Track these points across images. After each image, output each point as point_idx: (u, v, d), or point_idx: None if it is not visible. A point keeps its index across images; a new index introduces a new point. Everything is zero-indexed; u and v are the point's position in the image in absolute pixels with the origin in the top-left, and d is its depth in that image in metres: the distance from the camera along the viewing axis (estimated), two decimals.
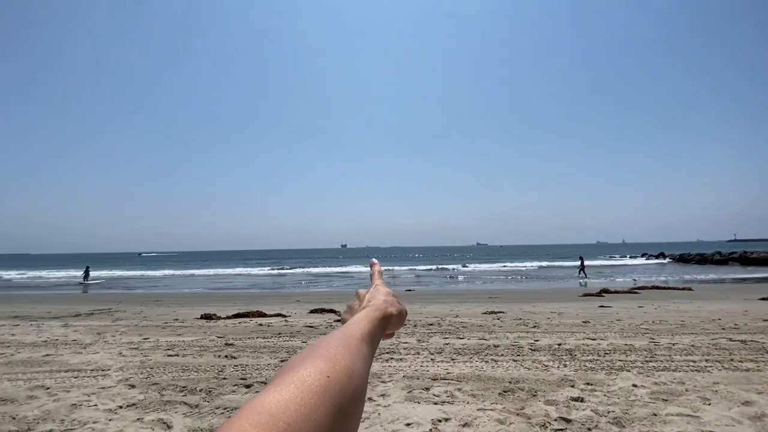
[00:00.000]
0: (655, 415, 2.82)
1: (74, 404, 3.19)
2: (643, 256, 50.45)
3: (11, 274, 33.51)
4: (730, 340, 5.19)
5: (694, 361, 4.18)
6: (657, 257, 44.83)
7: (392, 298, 0.57)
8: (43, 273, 34.05)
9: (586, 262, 25.36)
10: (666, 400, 3.09)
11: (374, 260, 0.68)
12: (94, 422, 2.85)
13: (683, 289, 14.70)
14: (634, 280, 20.02)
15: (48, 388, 3.61)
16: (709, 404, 2.96)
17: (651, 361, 4.26)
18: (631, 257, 50.51)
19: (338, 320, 7.67)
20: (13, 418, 2.91)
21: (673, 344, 5.03)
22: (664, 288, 15.10)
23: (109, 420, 2.89)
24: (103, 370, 4.23)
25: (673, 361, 4.23)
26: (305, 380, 0.31)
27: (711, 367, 3.96)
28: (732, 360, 4.19)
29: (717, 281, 19.20)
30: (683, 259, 38.90)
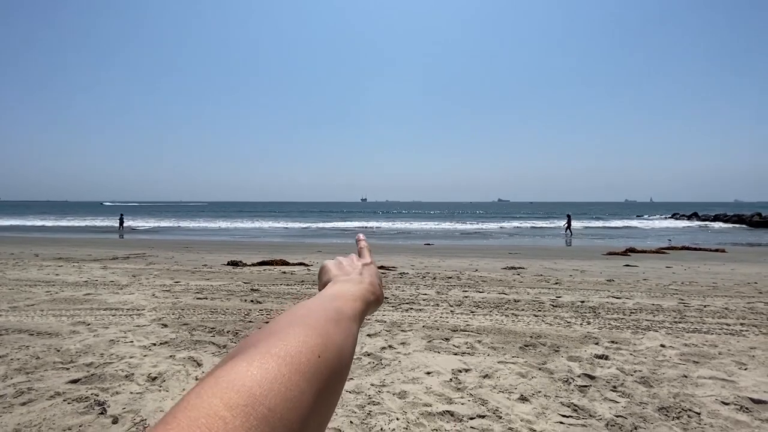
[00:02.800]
0: (686, 377, 2.73)
1: (112, 340, 3.40)
2: (673, 216, 48.45)
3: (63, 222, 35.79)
4: None
5: (728, 325, 4.01)
6: (689, 217, 42.96)
7: (381, 280, 0.54)
8: (95, 222, 36.24)
9: (616, 223, 24.70)
10: (697, 362, 2.98)
11: (361, 235, 0.65)
12: (131, 357, 3.03)
13: (716, 250, 14.08)
14: (669, 240, 19.26)
15: (88, 324, 3.86)
16: (746, 369, 2.84)
17: (680, 323, 4.12)
18: (661, 217, 48.65)
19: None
20: (58, 351, 3.12)
21: (705, 306, 4.85)
22: (695, 249, 14.51)
23: (144, 356, 3.06)
24: (138, 310, 4.47)
25: (704, 323, 4.07)
26: (294, 356, 0.27)
27: (747, 331, 3.79)
28: None
29: (754, 244, 18.28)
30: (718, 220, 37.11)
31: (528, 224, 35.38)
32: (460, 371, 2.87)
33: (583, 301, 5.10)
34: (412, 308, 4.73)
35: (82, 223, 33.49)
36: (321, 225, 34.37)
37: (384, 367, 2.93)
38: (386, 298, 5.24)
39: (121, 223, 26.55)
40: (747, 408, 2.34)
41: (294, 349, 0.27)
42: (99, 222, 34.56)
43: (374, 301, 0.47)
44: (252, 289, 5.75)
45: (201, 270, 7.72)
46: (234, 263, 8.57)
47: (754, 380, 2.66)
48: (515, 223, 36.60)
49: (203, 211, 69.33)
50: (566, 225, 24.16)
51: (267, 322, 0.33)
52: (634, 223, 37.80)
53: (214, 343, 3.38)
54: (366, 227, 32.29)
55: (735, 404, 2.38)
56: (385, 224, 35.65)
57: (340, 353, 0.31)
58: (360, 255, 0.59)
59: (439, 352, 3.24)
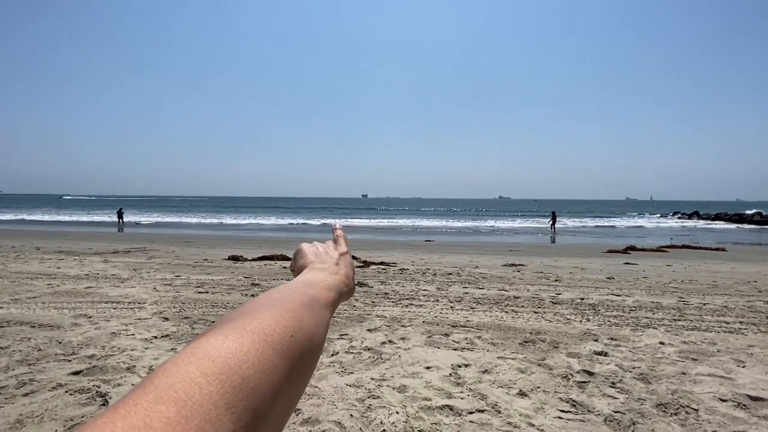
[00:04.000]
0: (684, 373, 2.74)
1: (114, 332, 3.41)
2: (675, 214, 48.42)
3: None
4: None
5: (726, 323, 4.02)
6: (690, 216, 42.94)
7: (354, 271, 0.56)
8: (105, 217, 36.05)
9: (617, 222, 24.86)
10: (696, 360, 2.99)
11: (337, 223, 0.67)
12: (132, 349, 3.05)
13: (716, 249, 14.08)
14: (671, 238, 19.27)
15: (90, 317, 3.87)
16: (744, 367, 2.85)
17: (679, 320, 4.13)
18: (662, 216, 48.62)
19: (360, 266, 7.81)
20: (60, 343, 3.14)
21: (704, 304, 4.85)
22: (695, 247, 14.52)
23: (146, 348, 3.08)
24: (139, 303, 4.49)
25: (703, 321, 4.08)
26: (268, 333, 0.28)
27: (745, 329, 3.80)
28: None
29: (754, 243, 18.27)
30: (719, 219, 37.09)
31: (531, 223, 35.33)
32: (460, 366, 2.88)
33: (582, 299, 5.11)
34: (412, 304, 4.74)
35: (80, 219, 33.53)
36: (322, 221, 34.37)
37: (384, 362, 2.94)
38: (374, 287, 5.25)
39: (120, 217, 26.51)
40: (744, 405, 2.35)
41: (268, 327, 0.28)
42: (97, 217, 34.56)
43: (347, 292, 0.49)
44: (252, 284, 5.76)
45: (202, 264, 7.74)
46: (235, 258, 8.59)
47: (752, 378, 2.67)
48: (518, 221, 36.57)
49: (199, 206, 68.33)
50: (551, 222, 24.71)
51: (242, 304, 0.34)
52: (635, 221, 37.76)
53: None
54: (366, 223, 32.28)
55: (733, 401, 2.39)
56: (385, 220, 35.65)
57: (312, 337, 0.32)
58: (336, 243, 0.60)
59: (438, 348, 3.25)
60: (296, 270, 0.53)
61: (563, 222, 34.26)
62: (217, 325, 0.29)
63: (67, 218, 32.61)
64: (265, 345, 0.26)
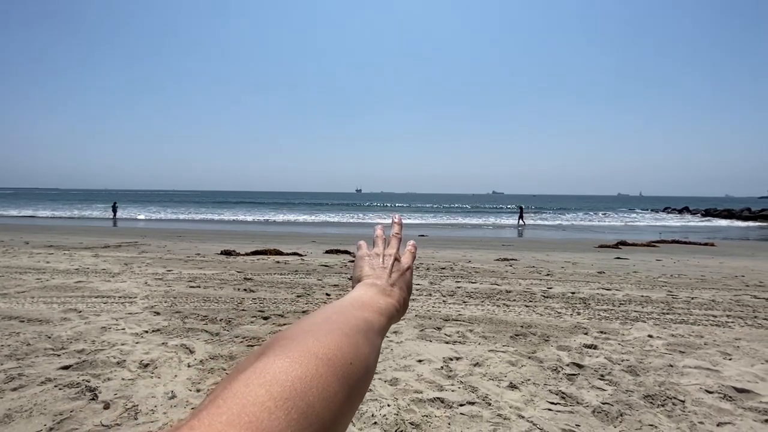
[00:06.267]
0: (672, 366, 2.79)
1: (104, 327, 3.38)
2: (665, 210, 49.06)
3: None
4: (755, 297, 5.05)
5: (714, 316, 4.09)
6: (680, 212, 43.55)
7: (410, 292, 0.55)
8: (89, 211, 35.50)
9: (608, 217, 25.47)
10: (683, 353, 3.05)
11: (396, 217, 0.62)
12: (122, 344, 3.02)
13: (705, 244, 14.30)
14: (660, 233, 19.55)
15: (80, 312, 3.83)
16: (730, 359, 2.91)
17: (668, 314, 4.20)
18: (652, 211, 49.23)
19: (352, 261, 7.81)
20: (49, 337, 3.10)
21: (692, 298, 4.93)
22: (685, 242, 14.73)
23: (136, 343, 3.06)
24: (130, 298, 4.45)
25: (691, 315, 4.15)
26: (331, 359, 0.29)
27: (732, 323, 3.87)
28: (756, 317, 4.08)
29: (743, 238, 18.60)
30: (709, 214, 37.68)
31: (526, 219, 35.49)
32: (451, 359, 2.90)
33: (573, 293, 5.16)
34: None
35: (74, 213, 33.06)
36: (316, 215, 34.26)
37: None
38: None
39: (114, 211, 26.25)
40: (730, 397, 2.40)
41: (331, 352, 0.29)
42: (92, 212, 34.11)
43: (396, 317, 0.49)
44: (245, 278, 5.74)
45: (194, 259, 7.68)
46: (227, 252, 8.54)
47: (738, 370, 2.72)
48: (512, 217, 36.76)
49: (189, 202, 66.84)
50: (519, 217, 25.95)
51: (287, 322, 0.34)
52: (626, 216, 38.20)
53: (206, 331, 3.39)
54: (361, 219, 32.25)
55: (719, 393, 2.44)
56: (380, 215, 35.64)
57: (367, 364, 0.33)
58: (388, 244, 0.59)
59: (430, 341, 3.27)
60: (353, 279, 0.53)
61: (563, 218, 34.70)
62: (279, 342, 0.29)
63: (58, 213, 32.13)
64: (329, 371, 0.27)
